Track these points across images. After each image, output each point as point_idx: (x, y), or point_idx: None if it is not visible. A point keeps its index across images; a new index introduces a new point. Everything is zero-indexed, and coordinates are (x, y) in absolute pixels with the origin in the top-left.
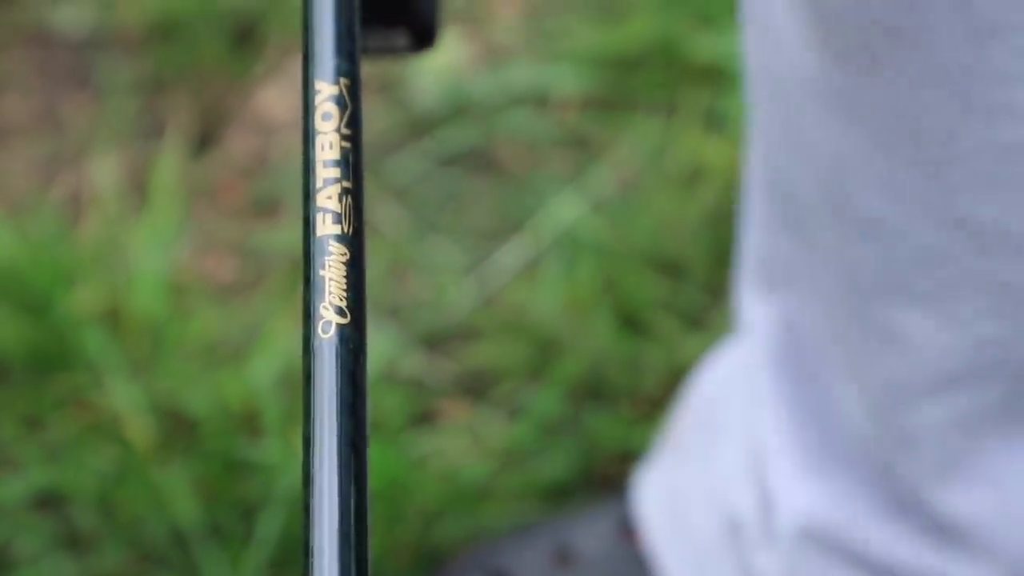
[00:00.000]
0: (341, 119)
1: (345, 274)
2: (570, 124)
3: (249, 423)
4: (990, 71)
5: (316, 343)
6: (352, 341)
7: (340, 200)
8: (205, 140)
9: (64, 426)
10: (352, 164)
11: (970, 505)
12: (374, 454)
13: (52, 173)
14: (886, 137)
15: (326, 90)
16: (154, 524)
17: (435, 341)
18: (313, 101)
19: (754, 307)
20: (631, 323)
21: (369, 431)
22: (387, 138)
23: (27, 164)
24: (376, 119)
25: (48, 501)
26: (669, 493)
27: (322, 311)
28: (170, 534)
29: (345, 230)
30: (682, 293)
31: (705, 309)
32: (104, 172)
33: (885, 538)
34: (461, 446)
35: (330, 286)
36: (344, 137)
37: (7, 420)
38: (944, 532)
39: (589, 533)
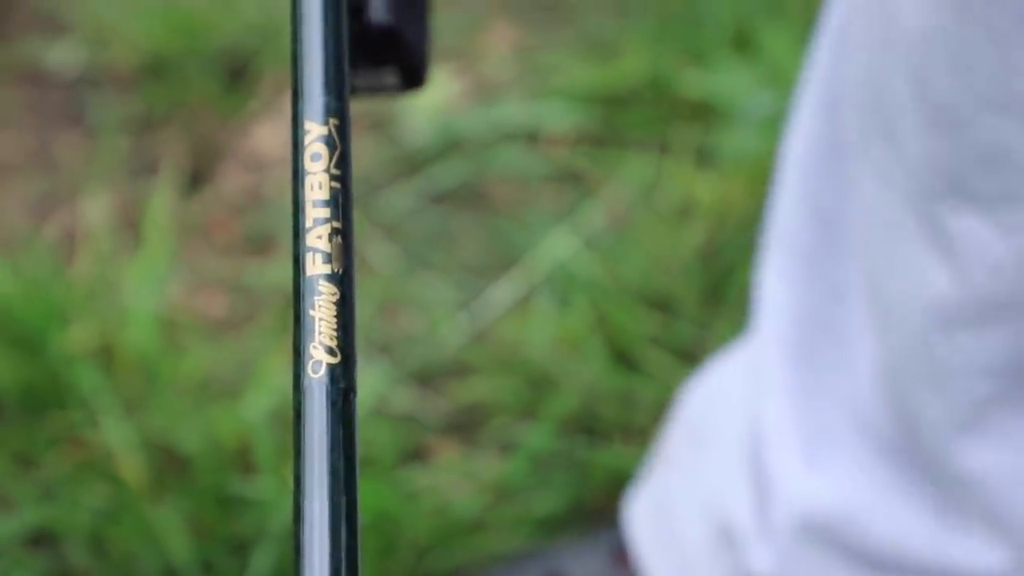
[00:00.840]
0: (330, 159)
1: (335, 314)
2: (561, 160)
3: (242, 459)
4: None
5: (306, 383)
6: (342, 381)
7: (330, 240)
8: (197, 177)
9: (57, 464)
10: (342, 204)
11: (984, 464)
12: (366, 488)
13: (45, 211)
14: (966, 9)
15: (315, 130)
16: (147, 561)
17: (427, 377)
18: (303, 141)
19: (771, 290)
20: (623, 358)
21: (359, 469)
22: (379, 175)
23: (20, 202)
24: (368, 156)
25: (41, 539)
26: (658, 508)
27: (312, 351)
28: (163, 571)
29: (335, 270)
30: (673, 328)
31: (696, 343)
32: (97, 210)
33: (888, 523)
34: (453, 481)
35: (320, 326)
36: (333, 177)
37: (0, 458)
38: (956, 494)
39: (581, 561)
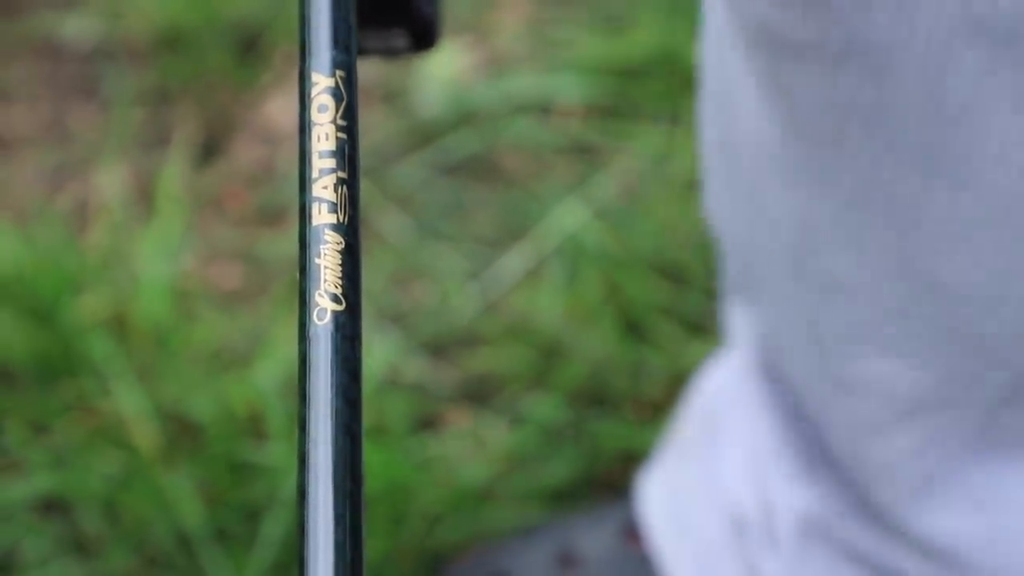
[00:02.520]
0: (337, 111)
1: (340, 262)
2: (573, 132)
3: (254, 427)
4: (954, 151)
5: (312, 330)
6: (347, 328)
7: (336, 190)
8: (211, 149)
9: (70, 431)
10: (348, 155)
11: (954, 527)
12: (377, 457)
13: (59, 182)
14: (853, 204)
15: (322, 82)
16: (159, 528)
17: (439, 347)
18: (309, 93)
19: (737, 318)
20: (633, 329)
21: (364, 421)
22: (391, 146)
23: (35, 173)
24: (380, 128)
25: (54, 505)
26: (672, 494)
27: (317, 298)
28: (175, 538)
29: (341, 219)
30: (684, 299)
31: (706, 315)
32: (111, 181)
33: (881, 545)
34: (464, 451)
35: (325, 274)
36: (340, 128)
37: (14, 425)
38: (930, 553)
39: (592, 535)
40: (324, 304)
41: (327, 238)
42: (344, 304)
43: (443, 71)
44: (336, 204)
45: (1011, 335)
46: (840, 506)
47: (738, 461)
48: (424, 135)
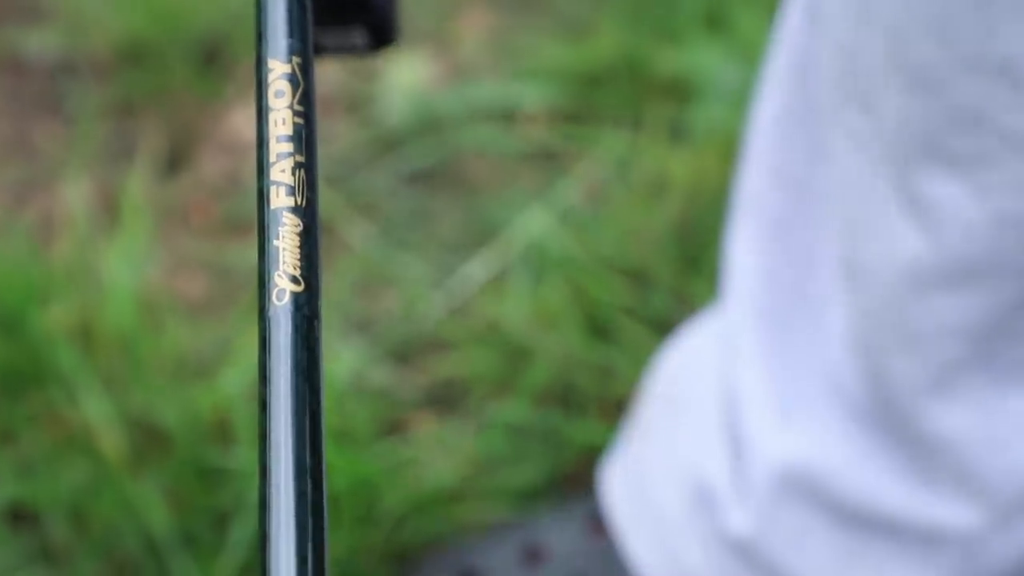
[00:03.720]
0: (294, 96)
1: (299, 244)
2: (536, 139)
3: (221, 432)
4: None
5: (271, 311)
6: (307, 308)
7: (293, 174)
8: (176, 162)
9: (37, 440)
10: (305, 139)
11: (957, 424)
12: (344, 460)
13: (24, 196)
14: None
15: (279, 68)
16: (128, 535)
17: (405, 353)
18: (266, 79)
19: (740, 258)
20: (599, 331)
21: (330, 426)
22: (355, 155)
23: None
24: (344, 137)
25: (21, 515)
26: (632, 474)
27: (276, 279)
28: (144, 544)
29: (299, 202)
30: (649, 301)
31: (672, 316)
32: (76, 194)
33: (864, 480)
34: (431, 454)
35: (284, 256)
36: (297, 113)
37: None
38: (928, 455)
39: (558, 530)
40: (283, 285)
41: (285, 220)
42: (303, 285)
43: (406, 80)
44: (294, 187)
45: None
46: (823, 448)
47: (706, 423)
48: (388, 144)
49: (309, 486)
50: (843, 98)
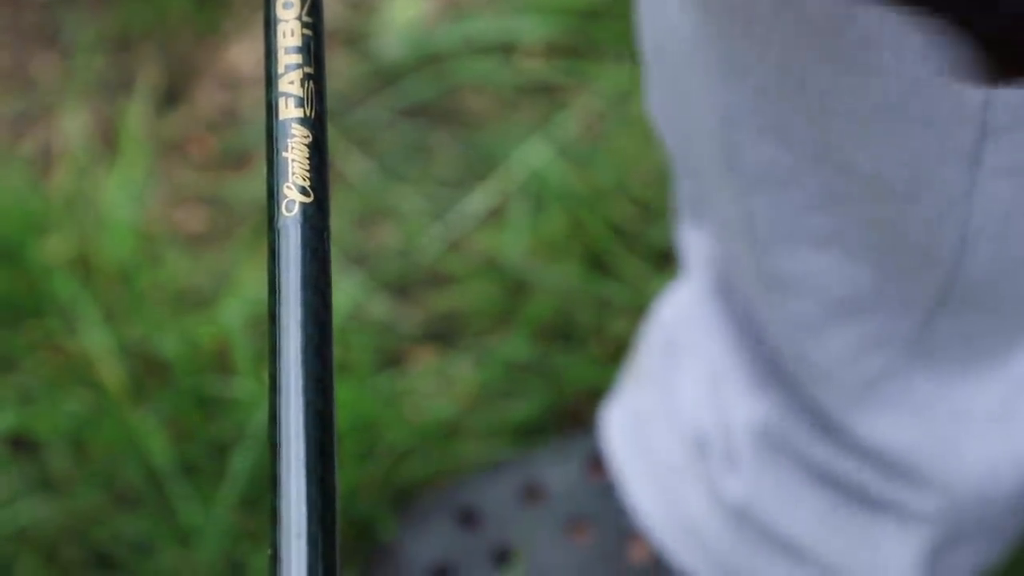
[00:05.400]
0: (302, 7)
1: (308, 155)
2: (535, 73)
3: (220, 362)
4: (857, 33)
5: (280, 222)
6: (316, 219)
7: (302, 85)
8: (174, 95)
9: (37, 370)
10: (313, 51)
11: (894, 432)
12: (343, 395)
13: (22, 128)
14: (767, 91)
15: None
16: (128, 465)
17: (403, 287)
18: None
19: (690, 238)
20: (598, 265)
21: (332, 310)
22: (353, 90)
23: None
24: (341, 71)
25: (22, 443)
26: (633, 420)
27: (285, 191)
28: (144, 474)
29: (308, 113)
30: (648, 234)
31: (671, 250)
32: (73, 126)
33: (834, 456)
34: (430, 388)
35: (293, 167)
36: (305, 24)
37: None
38: (876, 457)
39: (557, 468)
40: (292, 196)
41: (294, 132)
42: (312, 196)
43: (403, 14)
44: (303, 99)
45: (935, 227)
46: (792, 418)
47: (698, 382)
48: (385, 78)
49: (319, 395)
50: (684, 173)
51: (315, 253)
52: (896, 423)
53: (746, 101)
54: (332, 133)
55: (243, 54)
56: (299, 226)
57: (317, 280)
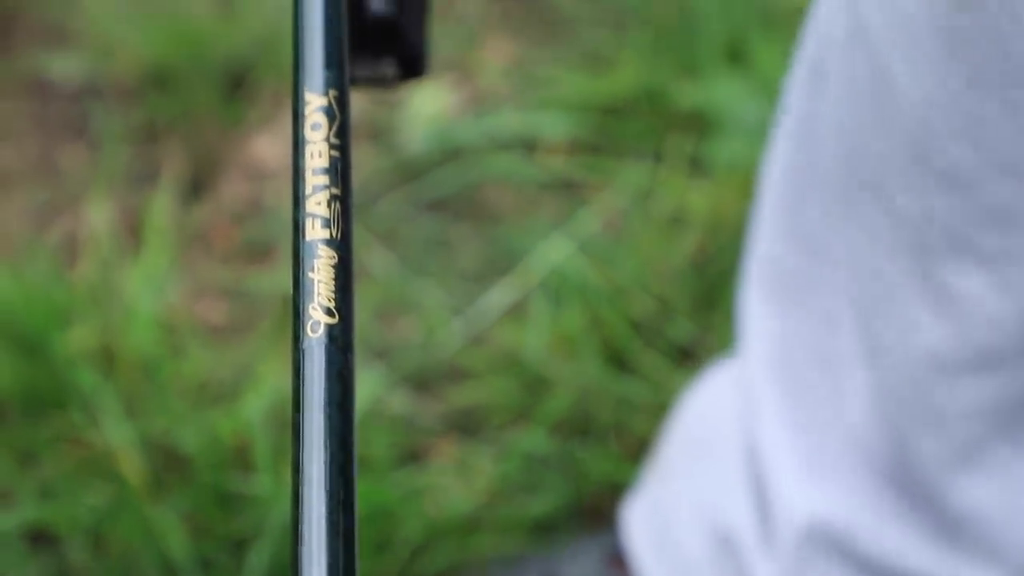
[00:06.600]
0: (330, 129)
1: (334, 276)
2: (557, 169)
3: (240, 458)
4: None
5: (305, 342)
6: (341, 340)
7: (329, 206)
8: (198, 186)
9: (58, 463)
10: (341, 172)
11: (982, 497)
12: (362, 487)
13: (48, 218)
14: (978, 70)
15: (315, 101)
16: (146, 559)
17: (424, 381)
18: (303, 111)
19: (755, 315)
20: (617, 361)
21: (356, 430)
22: (377, 183)
23: (24, 210)
24: (366, 164)
25: (41, 537)
26: (655, 514)
27: (311, 311)
28: (162, 569)
29: (334, 235)
30: (667, 332)
31: (690, 347)
32: (99, 217)
33: (891, 540)
34: (450, 482)
35: (319, 288)
36: (333, 146)
37: (2, 456)
38: (951, 525)
39: (577, 563)
40: (318, 317)
41: (320, 252)
42: (337, 317)
43: (428, 108)
44: (329, 220)
45: None
46: (848, 506)
47: (732, 470)
48: (409, 172)
49: (341, 515)
50: (850, 179)
51: (339, 374)
52: (984, 487)
53: (952, 87)
54: (354, 226)
55: (267, 146)
56: (324, 347)
57: (341, 400)
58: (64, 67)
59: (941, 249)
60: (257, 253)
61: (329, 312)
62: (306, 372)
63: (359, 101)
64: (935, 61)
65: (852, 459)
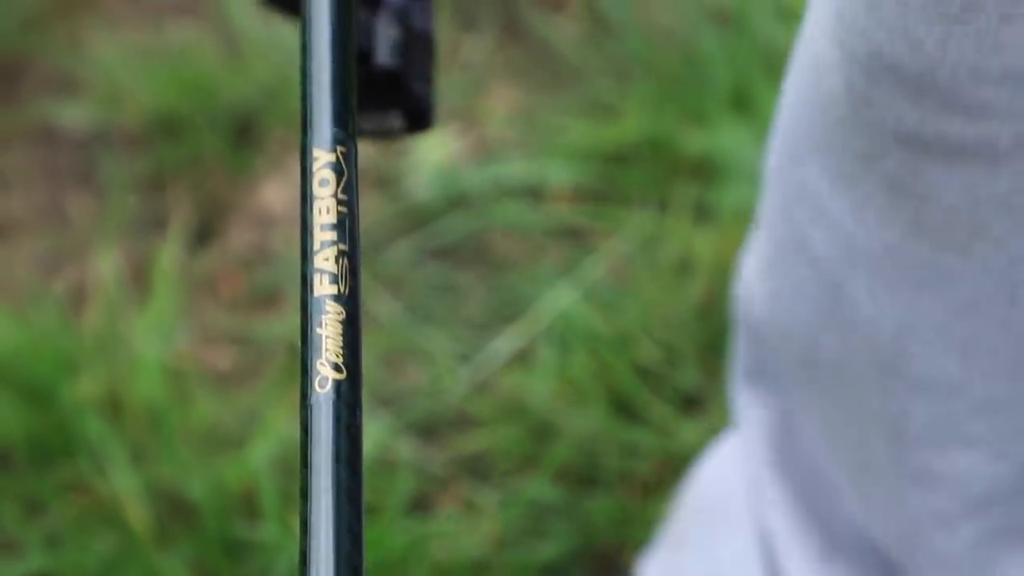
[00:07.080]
0: (338, 185)
1: (341, 332)
2: (563, 216)
3: (247, 505)
4: None
5: (313, 398)
6: (348, 395)
7: (337, 262)
8: (205, 233)
9: (65, 511)
10: (348, 228)
11: None
12: (369, 536)
13: (56, 266)
14: (970, 307)
15: (323, 157)
16: None
17: (430, 428)
18: (311, 167)
19: (749, 403)
20: (624, 409)
21: (364, 487)
22: (383, 230)
23: (31, 258)
24: (372, 212)
25: None
26: None
27: (319, 367)
28: None
29: (342, 290)
30: (674, 379)
31: (697, 395)
32: (106, 264)
33: None
34: (457, 528)
35: (327, 343)
36: (340, 202)
37: (9, 505)
38: None
39: None
40: (325, 372)
41: (328, 308)
42: (345, 373)
43: (434, 156)
44: (337, 275)
45: None
46: None
47: (745, 547)
48: (415, 219)
49: (349, 573)
50: (812, 372)
51: (347, 429)
52: None
53: (936, 317)
54: (361, 276)
55: (274, 193)
56: (332, 403)
57: (349, 456)
58: (72, 115)
59: (921, 441)
60: (264, 300)
61: (337, 368)
62: (314, 428)
63: (364, 148)
64: (911, 293)
65: (861, 551)
